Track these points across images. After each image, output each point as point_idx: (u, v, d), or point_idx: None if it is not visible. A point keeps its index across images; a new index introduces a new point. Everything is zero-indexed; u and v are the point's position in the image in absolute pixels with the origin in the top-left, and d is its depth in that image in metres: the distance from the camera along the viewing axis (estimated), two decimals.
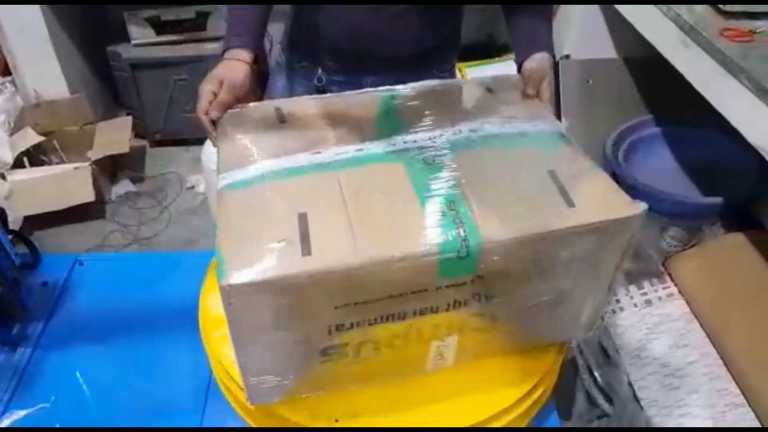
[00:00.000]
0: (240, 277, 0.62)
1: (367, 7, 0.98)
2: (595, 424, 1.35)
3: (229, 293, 0.63)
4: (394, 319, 0.72)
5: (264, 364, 0.73)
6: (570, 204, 0.72)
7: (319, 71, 1.06)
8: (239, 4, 0.93)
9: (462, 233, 0.67)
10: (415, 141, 0.80)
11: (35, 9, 2.02)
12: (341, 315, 0.69)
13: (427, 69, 1.07)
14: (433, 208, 0.70)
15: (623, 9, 1.54)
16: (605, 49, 1.85)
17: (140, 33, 2.15)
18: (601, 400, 1.40)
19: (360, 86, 0.92)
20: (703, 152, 1.79)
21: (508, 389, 0.82)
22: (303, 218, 0.68)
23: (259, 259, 0.64)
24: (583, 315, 0.84)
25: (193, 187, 2.19)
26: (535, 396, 0.84)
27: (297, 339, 0.71)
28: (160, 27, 2.16)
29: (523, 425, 0.85)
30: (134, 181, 2.16)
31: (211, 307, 0.96)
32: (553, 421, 0.88)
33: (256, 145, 0.80)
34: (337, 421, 0.80)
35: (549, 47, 0.98)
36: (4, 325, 1.11)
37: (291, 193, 0.73)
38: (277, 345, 0.71)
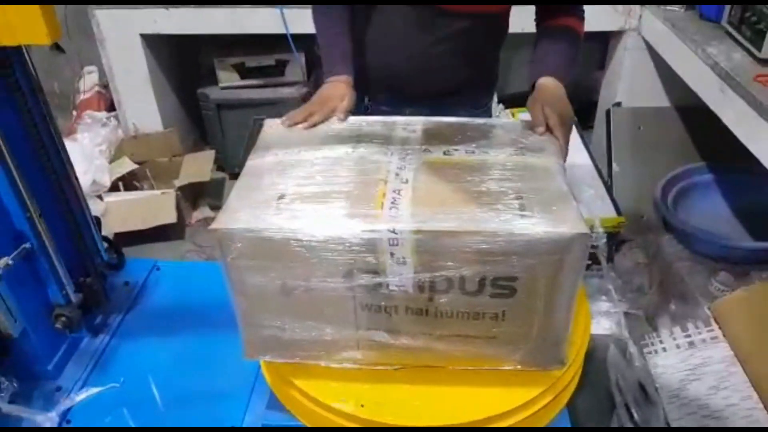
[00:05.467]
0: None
1: (408, 53, 1.11)
2: None
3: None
4: None
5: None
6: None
7: (366, 100, 1.18)
8: (332, 43, 1.09)
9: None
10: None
11: (140, 54, 2.30)
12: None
13: (461, 104, 1.17)
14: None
15: (668, 57, 1.60)
16: (656, 97, 1.90)
17: (227, 77, 2.40)
18: None
19: (400, 114, 1.03)
20: (755, 198, 1.78)
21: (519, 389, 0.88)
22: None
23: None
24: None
25: None
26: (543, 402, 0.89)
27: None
28: (244, 72, 2.40)
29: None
30: (213, 208, 2.36)
31: None
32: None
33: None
34: (362, 406, 0.89)
35: (558, 70, 1.00)
36: (90, 315, 1.28)
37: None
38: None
